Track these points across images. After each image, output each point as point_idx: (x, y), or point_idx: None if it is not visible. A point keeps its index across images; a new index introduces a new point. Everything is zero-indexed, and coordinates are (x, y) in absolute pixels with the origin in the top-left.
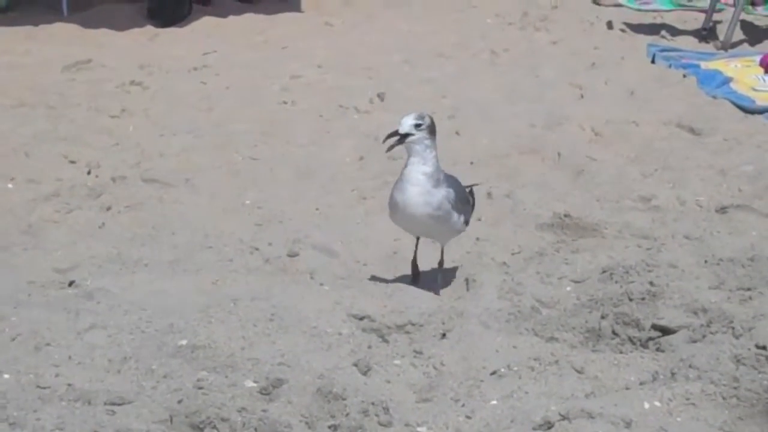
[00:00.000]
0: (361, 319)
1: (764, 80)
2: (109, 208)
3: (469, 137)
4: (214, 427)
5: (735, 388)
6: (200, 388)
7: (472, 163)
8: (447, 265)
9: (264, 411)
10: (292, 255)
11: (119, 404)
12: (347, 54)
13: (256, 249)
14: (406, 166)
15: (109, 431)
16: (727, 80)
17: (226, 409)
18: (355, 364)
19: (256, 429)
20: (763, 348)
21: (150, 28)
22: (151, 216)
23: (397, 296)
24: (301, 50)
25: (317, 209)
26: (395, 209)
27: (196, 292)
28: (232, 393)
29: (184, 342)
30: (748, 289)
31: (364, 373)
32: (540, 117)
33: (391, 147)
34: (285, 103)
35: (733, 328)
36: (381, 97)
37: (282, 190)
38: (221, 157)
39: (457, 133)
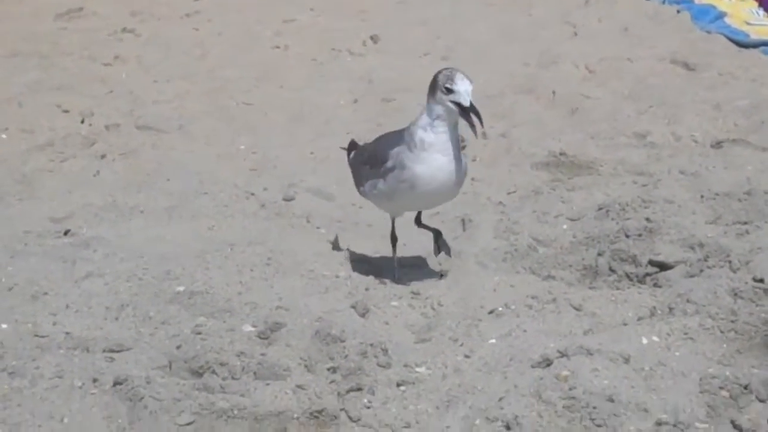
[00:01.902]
0: (358, 261)
1: (758, 14)
2: (103, 156)
3: None
4: (213, 371)
5: (733, 321)
6: (198, 333)
7: None
8: (444, 207)
9: (263, 355)
10: (288, 199)
11: (118, 351)
12: None
13: (252, 194)
14: (436, 133)
15: (108, 378)
16: (721, 15)
17: (224, 353)
18: (353, 306)
19: (255, 373)
20: (761, 281)
21: None
22: (146, 163)
23: None
24: None
25: (312, 153)
26: (427, 184)
27: (192, 238)
28: (231, 338)
29: (181, 288)
30: (745, 223)
31: (362, 315)
32: (534, 56)
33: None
34: (278, 47)
35: (730, 261)
36: (374, 39)
37: (276, 134)
38: (215, 103)
39: None
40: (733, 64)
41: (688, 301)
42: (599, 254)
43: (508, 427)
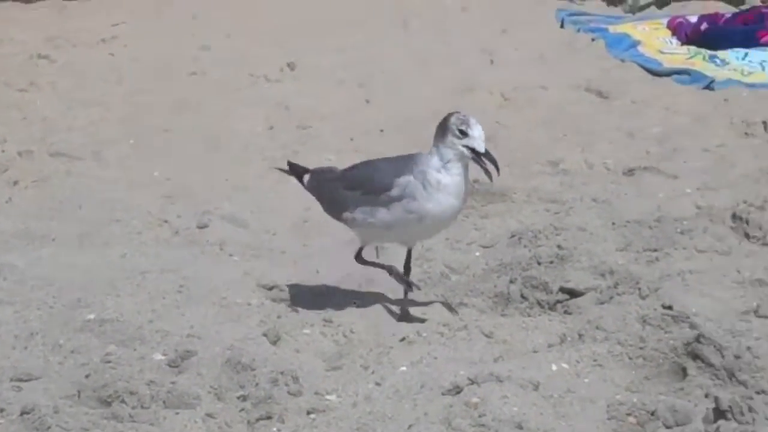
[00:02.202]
0: (271, 289)
1: (671, 43)
2: (15, 183)
3: (379, 105)
4: (123, 400)
5: (641, 348)
6: (108, 362)
7: (382, 130)
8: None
9: (173, 383)
10: (202, 226)
11: (26, 380)
12: (257, 23)
13: (165, 221)
14: (451, 175)
15: (15, 408)
16: (635, 43)
17: (134, 382)
18: (265, 334)
19: (164, 401)
20: (669, 308)
21: (58, 1)
22: (59, 190)
23: (306, 265)
24: (210, 20)
25: (227, 180)
26: (436, 219)
27: (104, 265)
28: (141, 366)
29: (92, 316)
30: (655, 250)
31: (274, 343)
32: (450, 83)
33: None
34: (195, 73)
35: (639, 289)
36: (291, 66)
37: (192, 161)
38: (130, 130)
39: (367, 101)
40: (646, 92)
41: (597, 328)
42: (511, 281)
43: None
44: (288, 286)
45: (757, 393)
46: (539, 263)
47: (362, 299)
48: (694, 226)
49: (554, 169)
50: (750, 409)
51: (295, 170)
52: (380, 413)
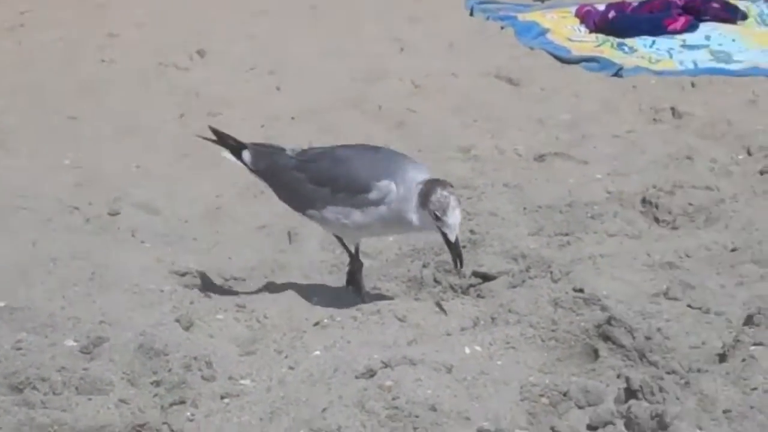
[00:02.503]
0: (183, 275)
1: (580, 30)
2: None
3: (290, 92)
4: (34, 387)
5: (553, 330)
6: (19, 349)
7: (293, 118)
8: (271, 220)
9: (85, 369)
10: (113, 213)
11: None
12: (166, 10)
13: (76, 208)
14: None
15: None
16: (544, 31)
17: (45, 368)
18: (178, 320)
19: (77, 388)
20: (581, 291)
21: None
22: None
23: (218, 251)
24: (118, 8)
25: (138, 167)
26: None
27: (13, 253)
28: (52, 353)
29: (2, 304)
30: (566, 234)
31: (187, 329)
32: (360, 71)
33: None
34: (103, 61)
35: (551, 272)
36: (201, 53)
37: (102, 148)
38: (38, 117)
39: (277, 88)
40: (555, 79)
41: (510, 311)
42: (424, 266)
43: None
44: (200, 272)
45: (668, 373)
46: None
47: (275, 285)
48: (604, 211)
49: (465, 156)
50: (660, 389)
51: (225, 142)
52: (294, 397)
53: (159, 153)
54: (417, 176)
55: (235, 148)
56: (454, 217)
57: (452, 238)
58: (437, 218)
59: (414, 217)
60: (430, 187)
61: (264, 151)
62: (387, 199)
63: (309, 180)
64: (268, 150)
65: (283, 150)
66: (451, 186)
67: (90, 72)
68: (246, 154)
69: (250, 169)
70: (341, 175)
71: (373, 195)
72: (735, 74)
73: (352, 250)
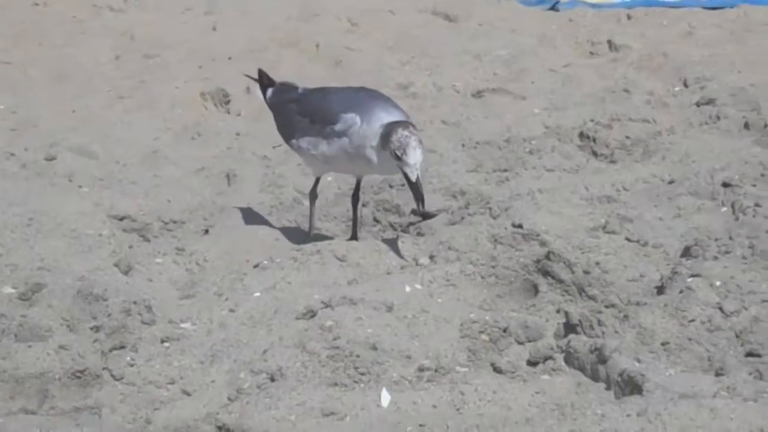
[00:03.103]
0: (122, 219)
1: None
2: None
3: (227, 32)
4: None
5: (493, 267)
6: None
7: (230, 58)
8: (209, 162)
9: (23, 316)
10: (50, 159)
11: None
12: None
13: (12, 154)
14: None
15: None
16: None
17: None
18: (116, 265)
19: (16, 335)
20: (519, 226)
21: None
22: None
23: (157, 195)
24: None
25: (74, 111)
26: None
27: None
28: None
29: None
30: (505, 171)
31: (126, 273)
32: (296, 9)
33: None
34: (37, 4)
35: (490, 208)
36: None
37: (37, 93)
38: None
39: (214, 28)
40: (492, 14)
41: (449, 248)
42: (363, 205)
43: (272, 379)
44: (139, 216)
45: (606, 307)
46: (391, 186)
47: (215, 227)
48: (542, 146)
49: (404, 93)
50: (599, 323)
51: (262, 81)
52: (235, 339)
53: (95, 97)
54: (384, 117)
55: (266, 86)
56: (414, 157)
57: (413, 178)
58: (398, 158)
59: (374, 156)
60: (391, 128)
61: (281, 89)
62: (350, 131)
63: (297, 112)
64: (284, 88)
65: (296, 88)
66: (414, 127)
67: (23, 15)
68: (269, 91)
69: (266, 103)
70: (319, 107)
71: (338, 126)
72: (671, 5)
73: (314, 182)
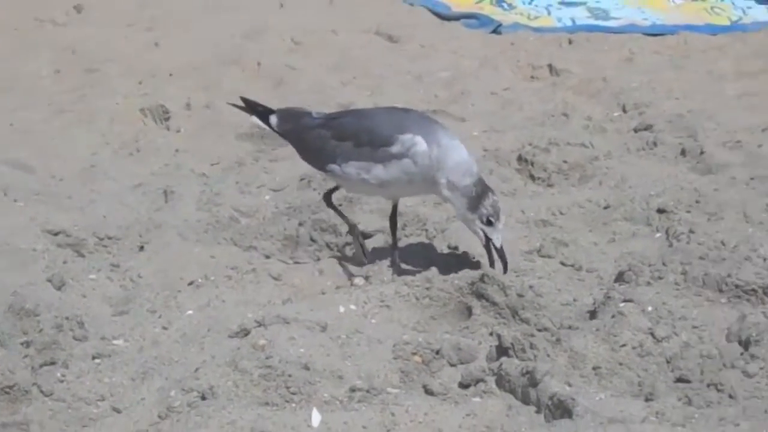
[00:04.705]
0: (56, 234)
1: None
2: None
3: (169, 48)
4: None
5: (428, 288)
6: None
7: (171, 74)
8: (146, 179)
9: None
10: None
11: None
12: None
13: None
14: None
15: None
16: None
17: None
18: (50, 280)
19: None
20: (455, 249)
21: None
22: None
23: (93, 210)
24: None
25: (12, 124)
26: None
27: None
28: None
29: None
30: None
31: (59, 288)
32: (240, 27)
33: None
34: None
35: (426, 230)
36: (78, 9)
37: None
38: None
39: (156, 44)
40: (434, 36)
41: (385, 269)
42: (300, 224)
43: (203, 397)
44: (74, 231)
45: (539, 330)
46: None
47: (150, 244)
48: (480, 168)
49: None
50: (531, 346)
51: (254, 108)
52: (167, 357)
53: (34, 110)
54: (442, 137)
55: (263, 113)
56: (502, 224)
57: (498, 245)
58: (489, 223)
59: (446, 191)
60: (482, 191)
61: (290, 114)
62: (411, 152)
63: (332, 136)
64: (294, 113)
65: (309, 113)
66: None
67: None
68: (273, 118)
69: (277, 132)
70: (364, 129)
71: (395, 148)
72: (612, 31)
73: (392, 211)
